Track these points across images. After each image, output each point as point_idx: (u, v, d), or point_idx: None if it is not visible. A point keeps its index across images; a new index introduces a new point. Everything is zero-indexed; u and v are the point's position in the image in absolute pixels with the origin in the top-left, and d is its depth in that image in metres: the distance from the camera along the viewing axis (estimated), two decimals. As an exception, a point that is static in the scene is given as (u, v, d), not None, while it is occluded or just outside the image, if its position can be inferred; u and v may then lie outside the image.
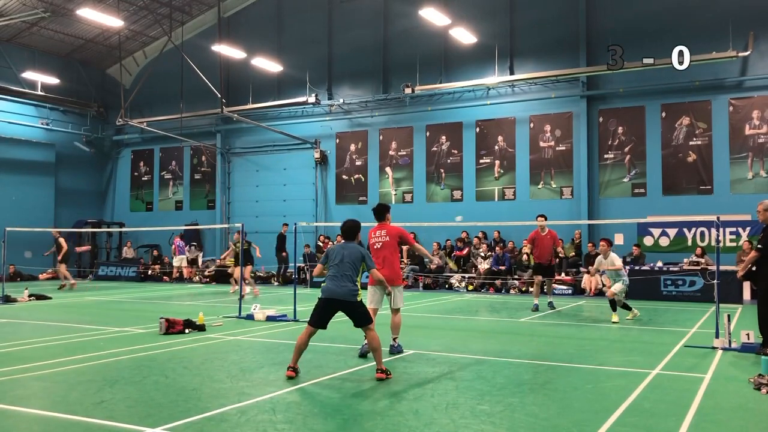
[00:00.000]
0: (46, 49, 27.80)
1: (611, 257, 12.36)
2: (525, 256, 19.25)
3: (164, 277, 24.92)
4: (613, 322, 11.91)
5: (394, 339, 8.74)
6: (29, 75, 26.91)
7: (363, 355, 8.33)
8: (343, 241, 7.82)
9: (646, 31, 19.77)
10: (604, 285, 15.79)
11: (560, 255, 15.14)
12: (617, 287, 12.17)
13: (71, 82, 28.76)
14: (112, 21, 22.43)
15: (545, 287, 14.85)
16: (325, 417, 5.53)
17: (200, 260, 25.49)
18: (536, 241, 14.38)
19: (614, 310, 12.20)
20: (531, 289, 18.85)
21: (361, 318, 7.26)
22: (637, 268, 17.36)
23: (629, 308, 12.41)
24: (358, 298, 7.25)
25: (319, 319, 7.22)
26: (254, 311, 12.42)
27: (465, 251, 21.05)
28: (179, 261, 24.33)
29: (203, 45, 25.92)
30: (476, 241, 21.13)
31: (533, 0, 21.90)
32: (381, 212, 9.45)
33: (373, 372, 7.13)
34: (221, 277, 23.10)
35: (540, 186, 21.49)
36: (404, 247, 22.14)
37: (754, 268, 8.70)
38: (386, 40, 24.17)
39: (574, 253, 19.90)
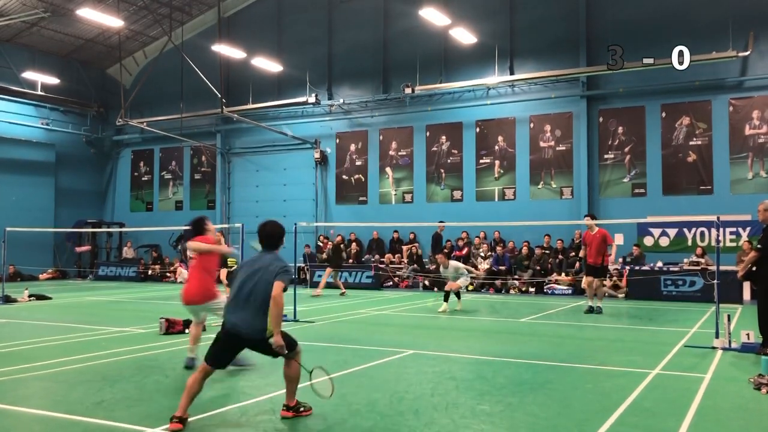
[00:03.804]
0: (46, 49, 27.80)
1: (451, 265, 14.50)
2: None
3: (168, 274, 24.87)
4: (441, 311, 13.70)
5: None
6: (29, 75, 26.91)
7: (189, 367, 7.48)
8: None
9: (646, 31, 19.76)
10: (604, 285, 15.78)
11: (610, 254, 14.59)
12: (462, 281, 14.36)
13: (71, 82, 28.75)
14: (112, 21, 22.42)
15: (596, 289, 14.14)
16: (325, 417, 5.53)
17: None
18: (585, 240, 14.07)
19: (446, 300, 13.95)
20: (531, 290, 19.00)
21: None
22: (637, 268, 17.37)
23: (459, 297, 14.58)
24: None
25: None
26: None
27: (465, 251, 21.03)
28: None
29: (203, 45, 25.92)
30: (477, 241, 21.13)
31: (533, 0, 21.90)
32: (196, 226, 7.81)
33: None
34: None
35: (540, 186, 21.49)
36: (404, 247, 22.17)
37: (754, 268, 8.70)
38: (386, 40, 24.17)
39: (573, 253, 19.89)
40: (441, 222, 19.45)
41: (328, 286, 19.28)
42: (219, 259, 8.20)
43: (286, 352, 5.36)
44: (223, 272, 16.14)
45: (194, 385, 5.37)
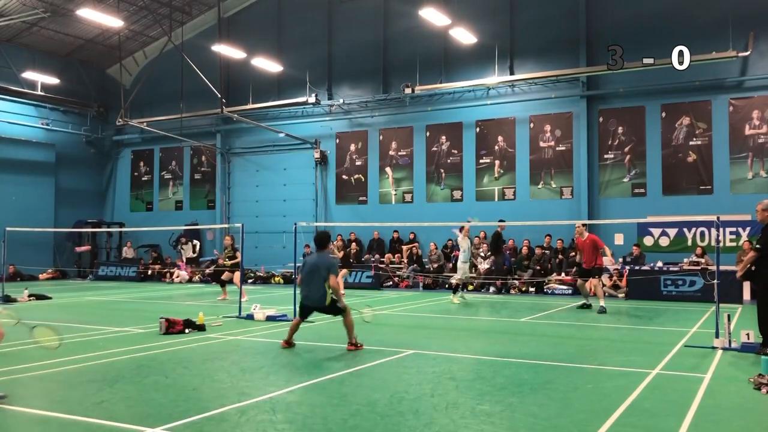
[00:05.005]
0: (46, 49, 27.80)
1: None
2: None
3: (171, 272, 24.87)
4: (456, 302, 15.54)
5: None
6: (29, 75, 26.92)
7: None
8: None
9: (646, 31, 19.76)
10: (604, 285, 15.79)
11: (605, 255, 14.91)
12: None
13: (71, 82, 28.76)
14: (112, 21, 22.43)
15: (595, 287, 14.38)
16: (325, 417, 5.52)
17: (190, 249, 25.13)
18: (578, 246, 14.76)
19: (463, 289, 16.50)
20: (531, 290, 19.01)
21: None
22: (637, 268, 17.36)
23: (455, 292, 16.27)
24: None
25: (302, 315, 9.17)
26: (254, 311, 12.42)
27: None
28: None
29: (203, 45, 25.92)
30: (477, 241, 21.11)
31: (533, 0, 21.90)
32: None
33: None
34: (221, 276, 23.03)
35: (540, 186, 21.49)
36: (404, 247, 22.19)
37: (753, 268, 8.70)
38: (386, 40, 24.17)
39: (573, 253, 19.88)
40: (501, 221, 18.70)
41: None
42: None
43: (343, 310, 8.85)
44: (237, 275, 16.15)
45: (295, 325, 9.09)
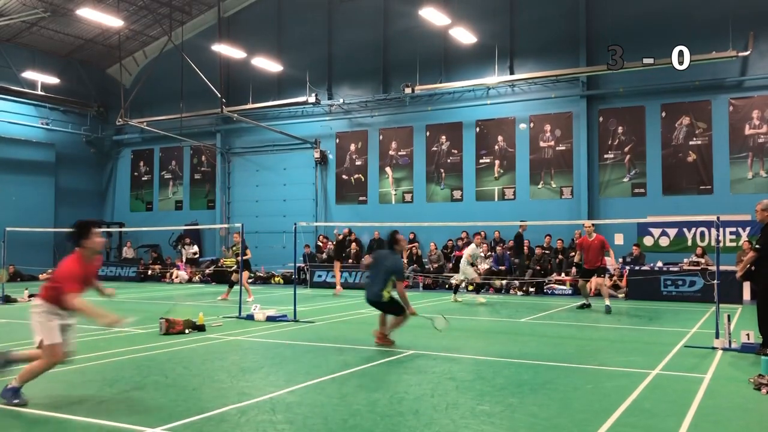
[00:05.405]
0: (46, 49, 27.80)
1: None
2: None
3: (170, 272, 24.87)
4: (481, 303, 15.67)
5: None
6: (29, 75, 26.92)
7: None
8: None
9: (646, 31, 19.77)
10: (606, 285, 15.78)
11: (609, 257, 14.99)
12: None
13: (71, 82, 28.76)
14: (112, 21, 22.43)
15: (599, 287, 14.57)
16: (325, 417, 5.53)
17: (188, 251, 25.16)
18: (583, 245, 14.43)
19: (478, 292, 16.75)
20: (531, 290, 18.99)
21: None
22: (637, 268, 17.36)
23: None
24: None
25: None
26: (254, 311, 12.41)
27: (465, 251, 20.98)
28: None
29: (203, 45, 25.92)
30: (477, 241, 21.05)
31: (533, 0, 21.90)
32: None
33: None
34: (221, 277, 23.06)
35: (540, 186, 21.49)
36: (406, 246, 22.16)
37: (753, 268, 8.70)
38: (386, 40, 24.17)
39: (573, 253, 19.87)
40: (523, 221, 18.61)
41: (328, 285, 19.27)
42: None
43: (403, 312, 8.97)
44: (245, 274, 16.12)
45: (382, 317, 9.21)
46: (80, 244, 6.01)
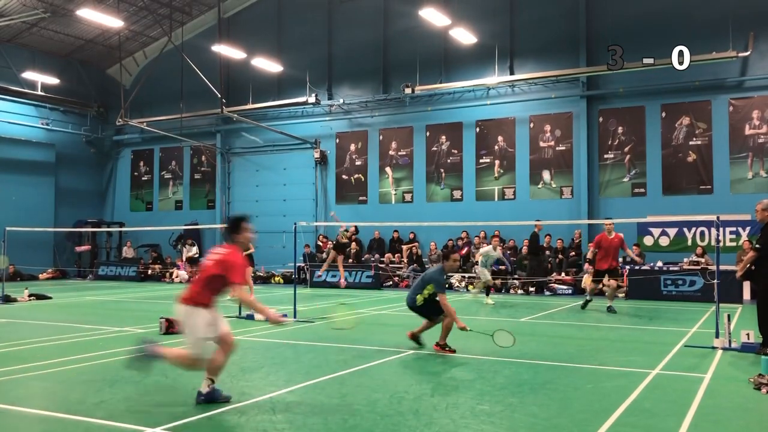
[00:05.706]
0: (46, 49, 27.80)
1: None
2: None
3: (170, 272, 24.86)
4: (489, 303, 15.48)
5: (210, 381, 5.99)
6: (29, 75, 26.92)
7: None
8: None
9: (646, 31, 19.77)
10: (604, 285, 15.76)
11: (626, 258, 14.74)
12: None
13: (71, 82, 28.76)
14: (112, 21, 22.43)
15: (610, 287, 14.16)
16: (325, 417, 5.53)
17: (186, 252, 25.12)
18: (602, 244, 13.80)
19: (488, 294, 16.16)
20: (531, 289, 18.98)
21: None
22: (637, 268, 17.35)
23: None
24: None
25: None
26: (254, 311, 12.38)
27: (465, 251, 21.02)
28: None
29: (203, 45, 25.92)
30: (476, 241, 21.12)
31: (533, 0, 21.90)
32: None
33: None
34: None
35: (540, 186, 21.49)
36: (404, 247, 22.19)
37: (753, 268, 8.70)
38: (386, 40, 24.17)
39: (573, 253, 19.90)
40: (538, 221, 18.33)
41: (328, 285, 19.24)
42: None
43: (438, 315, 8.86)
44: (248, 271, 16.12)
45: (426, 324, 9.10)
46: (233, 240, 6.09)
